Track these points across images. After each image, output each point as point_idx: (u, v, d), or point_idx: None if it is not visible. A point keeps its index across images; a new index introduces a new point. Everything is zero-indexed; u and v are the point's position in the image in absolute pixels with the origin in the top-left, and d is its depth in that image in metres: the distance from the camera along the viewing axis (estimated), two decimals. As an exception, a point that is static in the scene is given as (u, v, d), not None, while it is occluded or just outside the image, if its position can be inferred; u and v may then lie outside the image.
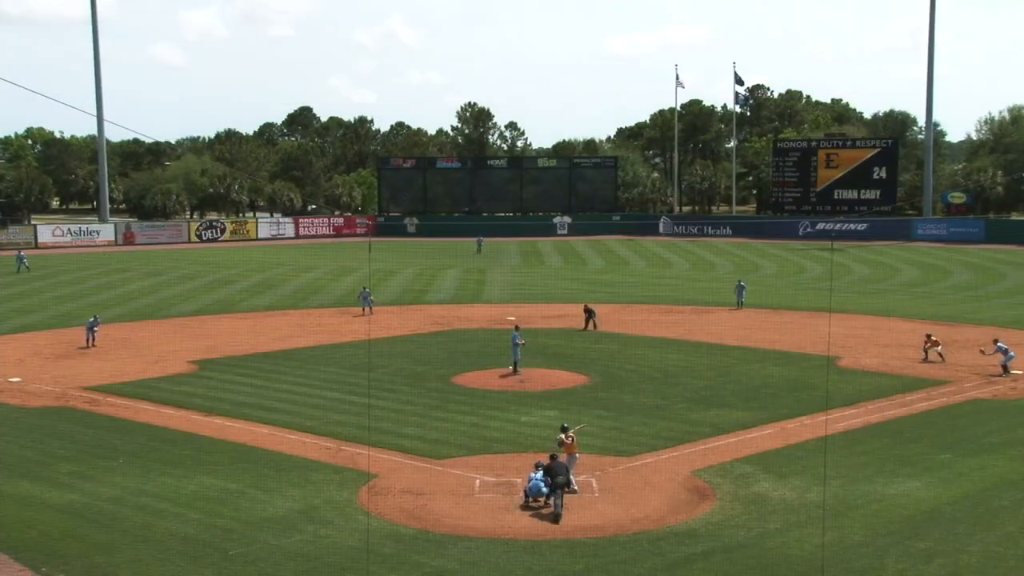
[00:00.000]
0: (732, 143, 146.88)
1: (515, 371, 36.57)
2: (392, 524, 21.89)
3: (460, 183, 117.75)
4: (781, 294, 61.89)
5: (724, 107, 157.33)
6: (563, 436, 24.42)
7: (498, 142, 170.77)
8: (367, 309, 53.11)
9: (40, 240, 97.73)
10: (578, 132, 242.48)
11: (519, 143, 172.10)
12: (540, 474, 23.18)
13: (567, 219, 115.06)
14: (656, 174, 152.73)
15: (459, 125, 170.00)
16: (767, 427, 30.00)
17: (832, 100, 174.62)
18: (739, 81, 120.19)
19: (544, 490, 22.95)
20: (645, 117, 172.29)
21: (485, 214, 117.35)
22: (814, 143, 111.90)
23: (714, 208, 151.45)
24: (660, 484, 24.63)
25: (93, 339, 44.56)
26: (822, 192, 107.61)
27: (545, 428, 29.09)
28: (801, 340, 44.55)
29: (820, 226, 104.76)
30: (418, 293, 64.11)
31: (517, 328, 38.12)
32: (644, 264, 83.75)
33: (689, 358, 41.04)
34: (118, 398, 34.19)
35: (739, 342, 44.58)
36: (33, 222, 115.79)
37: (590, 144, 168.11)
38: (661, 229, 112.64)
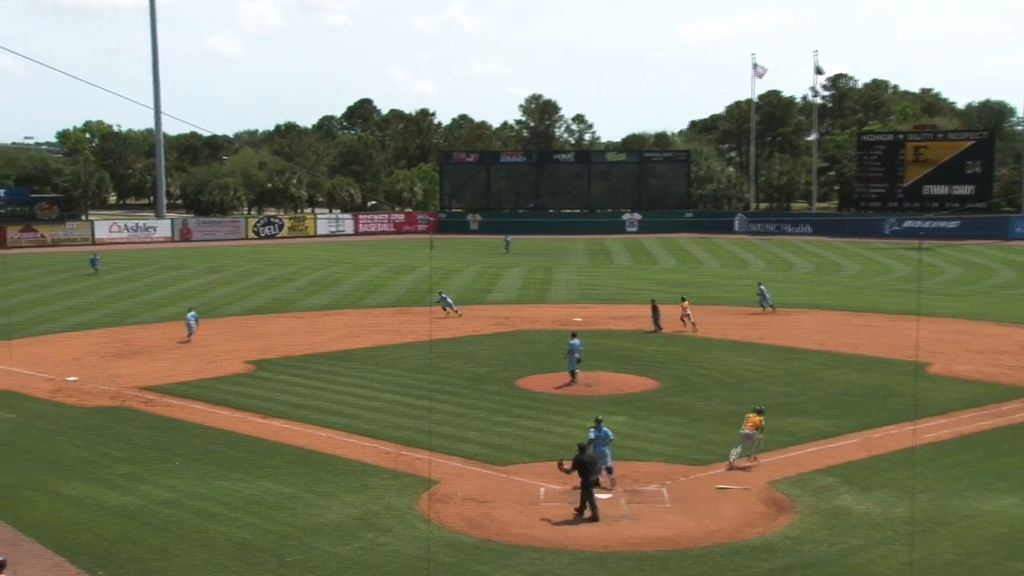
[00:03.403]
0: (813, 136, 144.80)
1: (573, 381, 36.25)
2: (453, 532, 21.94)
3: (525, 178, 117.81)
4: (864, 296, 60.86)
5: (804, 98, 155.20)
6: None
7: (564, 136, 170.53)
8: (450, 310, 53.20)
9: (97, 236, 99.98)
10: (649, 125, 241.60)
11: (586, 137, 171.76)
12: (597, 431, 24.97)
13: (637, 216, 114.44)
14: (731, 169, 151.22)
15: (524, 118, 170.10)
16: (849, 436, 29.49)
17: (921, 90, 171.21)
18: (820, 70, 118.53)
19: (602, 448, 24.59)
20: (720, 109, 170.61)
21: (551, 211, 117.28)
22: (901, 136, 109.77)
23: (793, 205, 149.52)
24: (735, 495, 24.35)
25: (191, 331, 46.17)
26: (910, 188, 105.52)
27: (613, 435, 28.88)
28: (886, 344, 43.75)
29: (907, 224, 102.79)
30: (480, 292, 64.24)
31: (575, 335, 37.59)
32: (718, 263, 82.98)
33: (765, 362, 40.54)
34: (174, 398, 34.82)
35: (818, 346, 43.93)
36: (90, 218, 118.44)
37: (661, 137, 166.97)
38: (736, 227, 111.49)
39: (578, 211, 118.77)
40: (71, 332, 49.22)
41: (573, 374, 36.35)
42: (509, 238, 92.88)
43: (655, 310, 48.37)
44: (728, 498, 24.18)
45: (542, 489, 24.56)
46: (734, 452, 26.66)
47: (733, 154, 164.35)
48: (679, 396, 34.78)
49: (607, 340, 45.53)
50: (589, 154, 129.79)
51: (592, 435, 25.64)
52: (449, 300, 54.15)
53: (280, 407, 33.38)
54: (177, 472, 26.21)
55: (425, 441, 27.68)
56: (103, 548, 21.23)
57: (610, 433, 25.74)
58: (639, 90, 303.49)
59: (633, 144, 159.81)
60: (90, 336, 48.09)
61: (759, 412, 27.38)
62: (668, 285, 66.52)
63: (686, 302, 49.06)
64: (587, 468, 22.95)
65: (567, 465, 23.21)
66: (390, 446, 28.65)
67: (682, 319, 47.85)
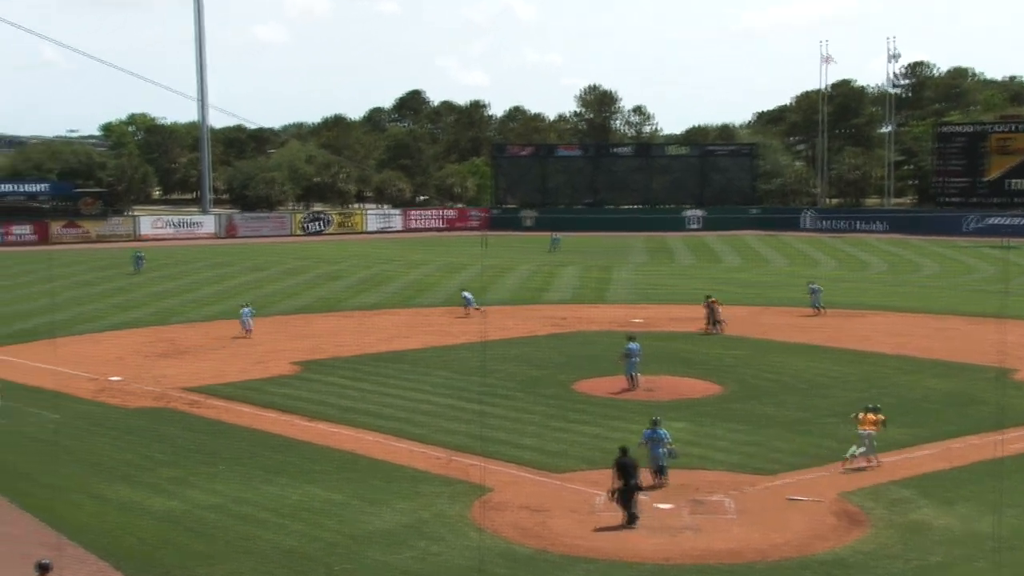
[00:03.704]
0: (888, 128, 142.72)
1: (632, 386, 36.07)
2: (507, 542, 21.95)
3: (581, 173, 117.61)
4: (943, 297, 59.92)
5: (879, 87, 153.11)
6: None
7: (623, 128, 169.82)
8: (471, 309, 53.50)
9: (141, 232, 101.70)
10: (712, 117, 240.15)
11: (646, 129, 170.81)
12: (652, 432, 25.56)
13: (699, 212, 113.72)
14: (800, 163, 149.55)
15: (580, 110, 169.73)
16: (928, 446, 29.04)
17: (1008, 77, 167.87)
18: (895, 58, 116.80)
19: (657, 451, 25.30)
20: (787, 99, 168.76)
21: (608, 207, 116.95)
22: (985, 127, 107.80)
23: (866, 201, 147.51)
24: (804, 507, 24.09)
25: (247, 328, 47.48)
26: (993, 182, 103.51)
27: (675, 442, 28.66)
28: (967, 349, 43.02)
29: (991, 221, 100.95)
30: (535, 292, 64.25)
31: (633, 339, 37.38)
32: (785, 262, 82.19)
33: (836, 367, 40.08)
34: (219, 400, 35.25)
35: (894, 350, 43.32)
36: (134, 213, 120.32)
37: (725, 130, 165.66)
38: (805, 224, 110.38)
39: (637, 207, 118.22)
40: (115, 331, 50.04)
41: (632, 378, 36.18)
42: (556, 235, 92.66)
43: (711, 309, 48.05)
44: (797, 509, 23.93)
45: (599, 498, 24.45)
46: (856, 450, 26.74)
47: (802, 147, 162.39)
48: (744, 402, 34.48)
49: (668, 342, 45.27)
50: (649, 147, 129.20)
51: (646, 435, 25.80)
52: (471, 298, 54.36)
53: (328, 410, 33.64)
54: (222, 476, 26.52)
55: (478, 447, 27.73)
56: (147, 553, 21.55)
57: (666, 435, 25.78)
58: (702, 80, 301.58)
59: (695, 137, 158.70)
60: (134, 335, 48.86)
61: (873, 410, 27.36)
62: (733, 285, 66.03)
63: (713, 299, 49.06)
64: (628, 471, 23.00)
65: (616, 484, 23.04)
66: (441, 451, 28.74)
67: (707, 320, 48.10)
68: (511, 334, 47.96)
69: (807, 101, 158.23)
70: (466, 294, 54.88)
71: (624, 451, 23.48)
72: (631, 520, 22.69)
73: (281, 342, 46.57)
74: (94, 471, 27.05)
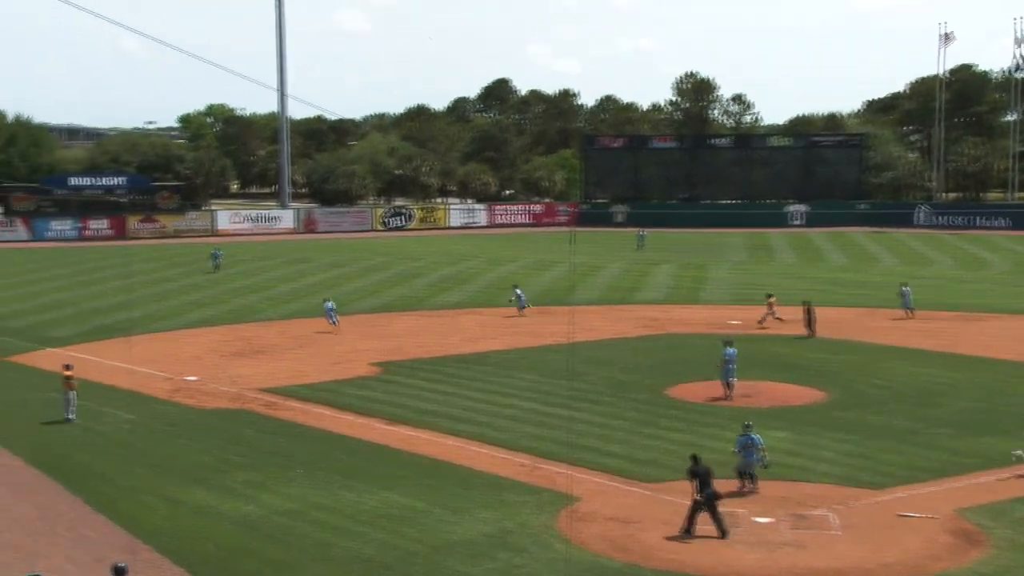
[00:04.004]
0: (1013, 116, 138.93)
1: (727, 394, 35.62)
2: (595, 555, 21.87)
3: (677, 165, 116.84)
4: (1070, 299, 58.15)
5: (1003, 72, 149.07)
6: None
7: (722, 118, 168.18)
8: (524, 310, 53.93)
9: (218, 227, 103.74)
10: (817, 105, 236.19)
11: (746, 119, 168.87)
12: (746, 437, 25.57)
13: (803, 207, 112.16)
14: (913, 154, 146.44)
15: (676, 99, 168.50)
16: (1052, 462, 28.18)
17: None
18: (1022, 40, 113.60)
19: (750, 458, 25.39)
20: (901, 86, 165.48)
21: (705, 201, 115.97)
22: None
23: (987, 195, 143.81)
24: (916, 524, 23.58)
25: (334, 321, 49.27)
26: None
27: (774, 452, 28.36)
28: (1096, 356, 41.68)
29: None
30: (626, 291, 63.97)
31: (730, 343, 36.81)
32: (896, 261, 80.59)
33: (952, 373, 39.20)
34: (296, 401, 35.75)
35: (1019, 356, 42.18)
36: (212, 207, 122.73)
37: (832, 119, 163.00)
38: (918, 220, 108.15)
39: (736, 202, 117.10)
40: (191, 329, 51.10)
41: (727, 386, 35.75)
42: (644, 232, 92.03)
43: (808, 313, 47.39)
44: (909, 527, 23.44)
45: (699, 515, 24.22)
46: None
47: (916, 137, 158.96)
48: (850, 410, 33.91)
49: (767, 345, 44.72)
50: (749, 138, 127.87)
51: (740, 442, 25.70)
52: (523, 297, 54.61)
53: (408, 413, 33.90)
54: (299, 481, 26.88)
55: (565, 454, 27.68)
56: (222, 559, 21.94)
57: (759, 440, 25.66)
58: (807, 67, 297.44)
59: (799, 127, 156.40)
60: (210, 333, 49.83)
61: None
62: (838, 285, 64.96)
63: (773, 298, 49.91)
64: (704, 479, 22.97)
65: (696, 495, 23.04)
66: (526, 458, 28.75)
67: (764, 319, 49.20)
68: (600, 335, 47.80)
69: (923, 87, 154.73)
70: (518, 291, 55.26)
71: (696, 459, 23.50)
72: (722, 535, 22.62)
73: (360, 342, 47.06)
74: (169, 473, 27.63)
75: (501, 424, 32.43)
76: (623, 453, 29.05)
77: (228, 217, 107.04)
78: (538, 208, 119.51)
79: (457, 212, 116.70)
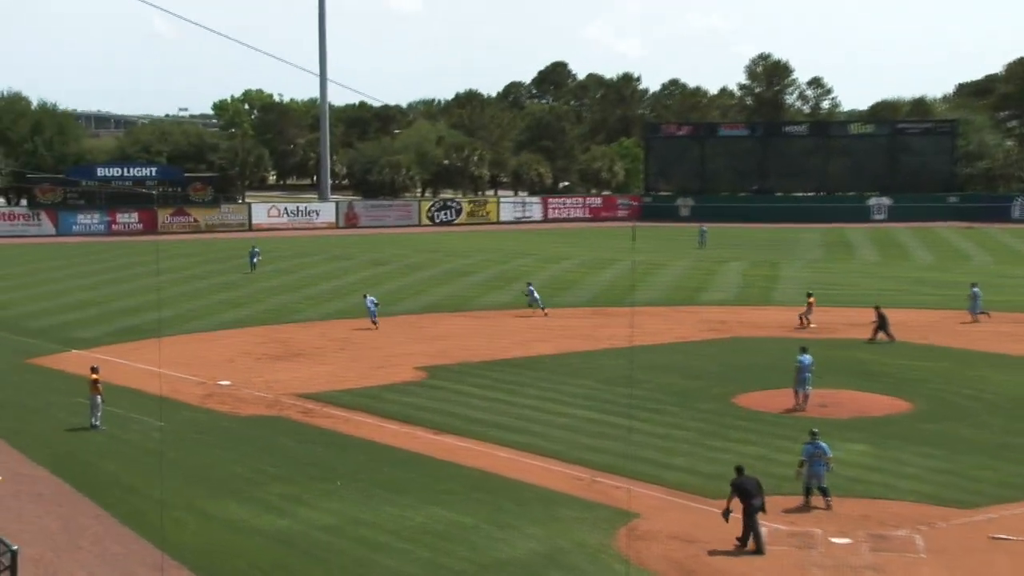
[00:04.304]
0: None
1: (799, 404, 35.26)
2: (655, 578, 21.81)
3: (748, 155, 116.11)
4: None
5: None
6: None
7: (797, 104, 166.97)
8: (536, 308, 54.70)
9: (254, 221, 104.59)
10: (903, 89, 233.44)
11: (824, 104, 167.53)
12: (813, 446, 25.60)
13: (886, 201, 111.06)
14: (1010, 142, 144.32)
15: (748, 83, 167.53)
16: None
17: None
18: None
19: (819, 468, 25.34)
20: (997, 67, 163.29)
21: (779, 194, 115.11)
22: None
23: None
24: (1011, 547, 23.27)
25: (374, 317, 50.77)
26: None
27: (853, 467, 28.16)
28: None
29: None
30: (691, 292, 63.69)
31: (805, 350, 36.47)
32: (990, 259, 79.54)
33: (1049, 384, 38.63)
34: (336, 408, 35.99)
35: (1121, 365, 41.47)
36: (247, 200, 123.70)
37: (919, 104, 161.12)
38: (1016, 214, 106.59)
39: (812, 195, 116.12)
40: (224, 330, 51.61)
41: (800, 396, 35.33)
42: (705, 228, 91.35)
43: (880, 317, 46.88)
44: (1002, 550, 23.14)
45: (764, 529, 24.09)
46: None
47: (1013, 124, 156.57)
48: (937, 422, 33.56)
49: (845, 351, 44.35)
50: (827, 125, 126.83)
51: (806, 451, 25.69)
52: (536, 295, 54.91)
53: (455, 422, 34.00)
54: (339, 494, 27.05)
55: (624, 467, 27.61)
56: (256, 577, 22.12)
57: (828, 449, 25.67)
58: (891, 46, 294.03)
59: (883, 113, 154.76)
60: (245, 335, 50.30)
61: None
62: (924, 285, 64.20)
63: (813, 299, 50.93)
64: (747, 492, 23.19)
65: (731, 506, 23.42)
66: (582, 471, 28.72)
67: (801, 318, 50.39)
68: (662, 339, 47.64)
69: (1021, 69, 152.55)
70: (531, 288, 55.51)
71: (740, 470, 23.86)
72: (758, 550, 22.87)
73: (404, 344, 47.26)
74: (200, 485, 27.92)
75: (555, 434, 32.42)
76: (687, 466, 28.93)
77: (264, 210, 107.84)
78: (596, 201, 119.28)
79: (509, 206, 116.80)
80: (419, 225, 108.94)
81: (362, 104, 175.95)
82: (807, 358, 35.58)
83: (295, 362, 43.98)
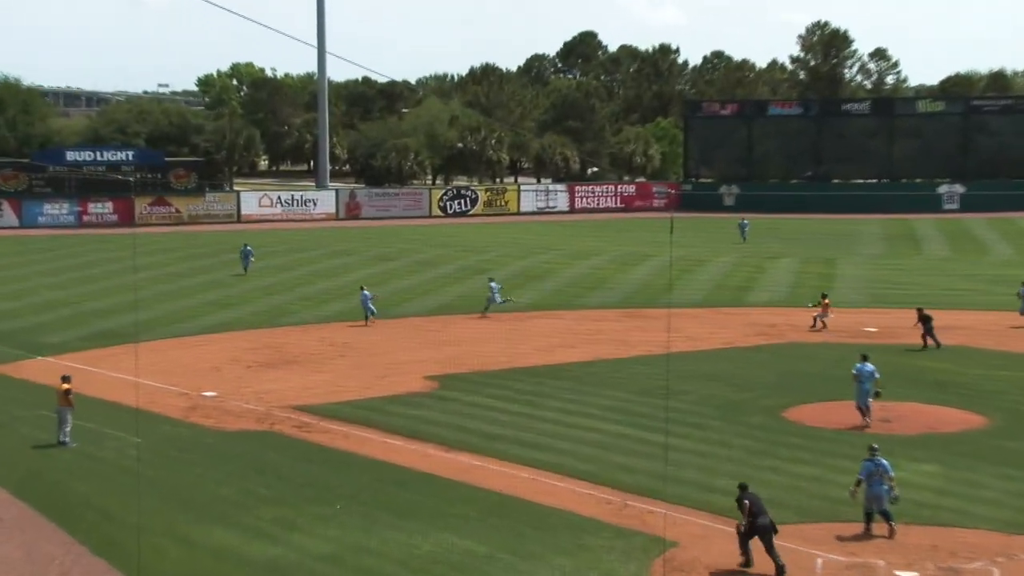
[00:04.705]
0: None
1: (864, 420, 35.16)
2: (696, 614, 21.79)
3: (801, 137, 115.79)
4: None
5: None
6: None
7: (858, 78, 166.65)
8: (491, 305, 55.46)
9: (244, 212, 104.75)
10: (979, 62, 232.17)
11: (888, 79, 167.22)
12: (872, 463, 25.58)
13: (959, 188, 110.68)
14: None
15: (801, 55, 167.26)
16: None
17: None
18: None
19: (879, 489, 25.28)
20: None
21: (836, 181, 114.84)
22: None
23: None
24: (1097, 582, 23.13)
25: (369, 313, 52.62)
26: None
27: (921, 490, 28.04)
28: None
29: None
30: (736, 291, 63.57)
31: (866, 358, 36.26)
32: (1076, 254, 79.21)
33: None
34: (335, 422, 36.02)
35: None
36: (236, 188, 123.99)
37: (998, 78, 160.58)
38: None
39: (874, 181, 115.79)
40: (210, 334, 51.71)
41: (863, 410, 35.22)
42: (746, 221, 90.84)
43: (925, 321, 46.69)
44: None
45: (819, 560, 24.07)
46: None
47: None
48: (1018, 439, 33.44)
49: (912, 359, 44.23)
50: (892, 103, 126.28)
51: (865, 469, 25.67)
52: (497, 291, 55.55)
53: (470, 438, 34.01)
54: (338, 519, 27.07)
55: (660, 489, 27.55)
56: (245, 612, 22.16)
57: (889, 467, 25.66)
58: (966, 14, 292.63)
59: (956, 88, 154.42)
60: (233, 339, 50.40)
61: None
62: (1002, 284, 63.83)
63: (828, 300, 52.10)
64: (756, 506, 23.76)
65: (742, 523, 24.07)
66: (613, 494, 28.69)
67: (816, 320, 51.85)
68: (704, 345, 47.62)
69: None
70: (493, 283, 55.88)
71: (744, 487, 24.50)
72: (779, 571, 23.16)
73: (413, 350, 47.29)
74: (182, 508, 27.96)
75: (583, 452, 32.39)
76: (731, 489, 28.71)
77: (255, 200, 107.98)
78: (629, 189, 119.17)
79: (531, 194, 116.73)
80: (429, 216, 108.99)
81: (365, 80, 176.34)
82: (869, 367, 35.46)
83: (289, 370, 44.05)
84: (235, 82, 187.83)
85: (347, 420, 36.27)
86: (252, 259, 71.78)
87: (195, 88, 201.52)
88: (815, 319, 51.78)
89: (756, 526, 23.61)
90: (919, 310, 47.94)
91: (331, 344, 49.03)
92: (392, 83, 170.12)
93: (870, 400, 35.30)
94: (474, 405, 38.13)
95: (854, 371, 35.65)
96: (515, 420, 36.09)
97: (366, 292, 54.07)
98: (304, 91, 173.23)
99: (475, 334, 51.19)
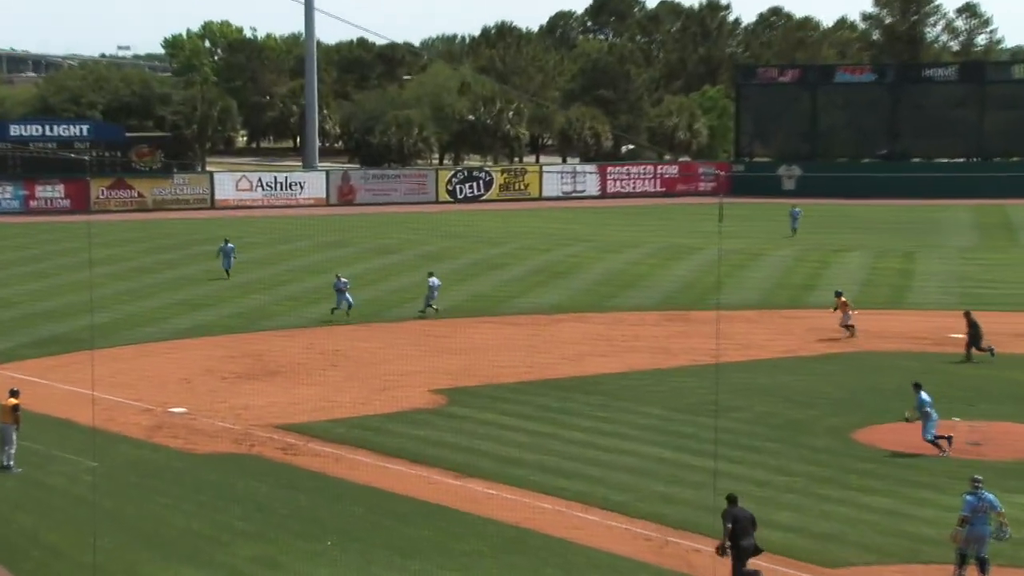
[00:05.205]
0: None
1: (947, 441, 34.98)
2: (750, 671, 21.78)
3: (875, 108, 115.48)
4: None
5: None
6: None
7: (943, 38, 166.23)
8: (428, 307, 56.11)
9: (218, 196, 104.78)
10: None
11: (979, 40, 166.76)
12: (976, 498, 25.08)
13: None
14: None
15: (875, 11, 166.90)
16: None
17: None
18: None
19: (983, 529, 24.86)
20: None
21: (916, 160, 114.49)
22: None
23: None
24: None
25: (348, 305, 53.73)
26: None
27: (1017, 525, 27.90)
28: None
29: None
30: (797, 290, 63.45)
31: (920, 387, 35.65)
32: None
33: None
34: (325, 443, 36.07)
35: None
36: (209, 168, 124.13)
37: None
38: None
39: (962, 160, 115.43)
40: (179, 340, 51.82)
41: (936, 441, 34.88)
42: (798, 209, 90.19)
43: (971, 326, 46.59)
44: None
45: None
46: None
47: None
48: None
49: (1006, 371, 44.09)
50: (983, 68, 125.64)
51: (970, 505, 25.29)
52: (436, 291, 56.17)
53: (483, 462, 34.02)
54: (329, 556, 27.10)
55: (707, 523, 27.54)
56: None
57: (996, 502, 25.39)
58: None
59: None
60: (206, 346, 50.49)
61: None
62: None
63: (843, 298, 52.14)
64: (741, 526, 24.20)
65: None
66: (652, 528, 28.67)
67: (846, 327, 51.35)
68: (759, 354, 47.63)
69: None
70: (433, 280, 56.34)
71: (733, 500, 24.81)
72: None
73: (417, 359, 47.23)
74: (145, 545, 27.97)
75: (616, 479, 32.38)
76: (793, 524, 28.82)
77: (232, 182, 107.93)
78: (671, 170, 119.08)
79: (555, 176, 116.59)
80: (436, 202, 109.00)
81: (361, 42, 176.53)
82: (925, 396, 34.80)
83: (272, 383, 44.10)
84: (208, 44, 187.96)
85: (339, 441, 36.30)
86: (234, 258, 69.24)
87: (161, 51, 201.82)
88: (846, 326, 51.13)
89: (739, 549, 24.01)
90: (967, 314, 47.92)
91: (320, 352, 49.02)
92: (392, 46, 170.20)
93: (931, 429, 34.83)
94: (488, 424, 38.17)
95: (927, 409, 34.95)
96: (536, 442, 36.09)
97: (343, 279, 54.99)
98: (289, 55, 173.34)
99: (489, 340, 51.09)
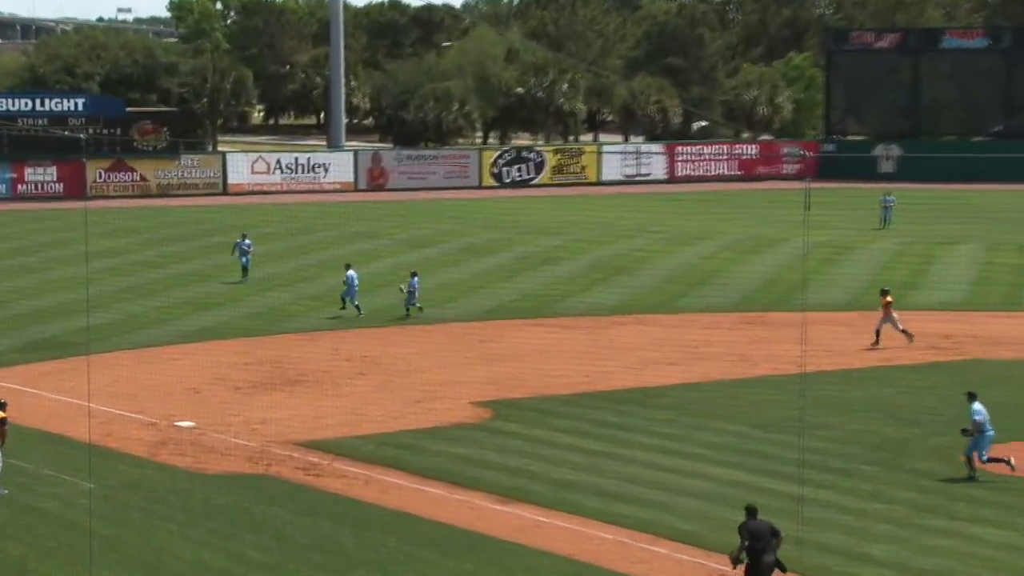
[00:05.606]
0: None
1: (971, 471, 34.76)
2: None
3: (988, 78, 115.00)
4: None
5: None
6: None
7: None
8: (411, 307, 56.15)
9: (231, 180, 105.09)
10: None
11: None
12: None
13: None
14: None
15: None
16: None
17: None
18: None
19: None
20: None
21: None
22: None
23: None
24: None
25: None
26: None
27: None
28: None
29: None
30: (897, 289, 63.01)
31: (975, 396, 35.37)
32: None
33: None
34: (351, 463, 36.13)
35: None
36: (221, 148, 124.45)
37: None
38: None
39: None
40: (186, 344, 52.02)
41: (969, 462, 34.65)
42: (891, 198, 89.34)
43: None
44: None
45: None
46: None
47: None
48: None
49: None
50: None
51: (979, 412, 26.54)
52: (417, 290, 56.31)
53: (532, 485, 33.98)
54: (357, 592, 27.15)
55: (793, 557, 27.43)
56: None
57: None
58: None
59: None
60: (218, 351, 50.66)
61: None
62: None
63: (888, 297, 51.82)
64: (761, 539, 24.51)
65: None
66: (726, 563, 28.56)
67: (902, 331, 50.97)
68: (853, 362, 47.60)
69: None
70: (351, 273, 56.55)
71: (752, 512, 25.02)
72: None
73: (458, 367, 47.36)
74: (149, 576, 28.15)
75: (685, 506, 32.35)
76: (889, 558, 28.69)
77: (247, 164, 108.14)
78: (750, 150, 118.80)
79: (616, 158, 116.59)
80: (480, 187, 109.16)
81: (394, 3, 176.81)
82: (979, 408, 34.55)
83: (292, 393, 44.21)
84: (219, 6, 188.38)
85: (369, 460, 36.37)
86: (251, 252, 67.49)
87: (166, 15, 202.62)
88: (903, 332, 50.76)
89: (757, 564, 24.26)
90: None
91: (348, 358, 49.16)
92: (429, 7, 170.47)
93: (983, 451, 34.56)
94: (538, 441, 38.14)
95: (977, 418, 34.70)
96: (593, 462, 36.07)
97: (351, 273, 55.54)
98: (312, 19, 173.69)
99: (540, 345, 51.13)
